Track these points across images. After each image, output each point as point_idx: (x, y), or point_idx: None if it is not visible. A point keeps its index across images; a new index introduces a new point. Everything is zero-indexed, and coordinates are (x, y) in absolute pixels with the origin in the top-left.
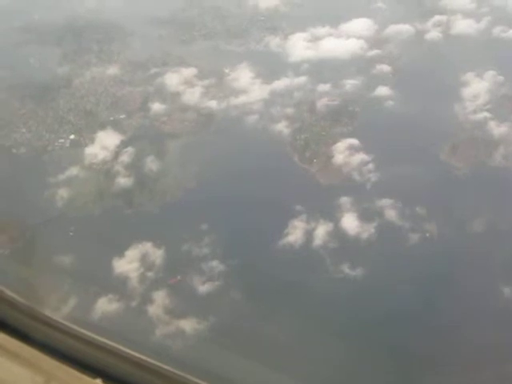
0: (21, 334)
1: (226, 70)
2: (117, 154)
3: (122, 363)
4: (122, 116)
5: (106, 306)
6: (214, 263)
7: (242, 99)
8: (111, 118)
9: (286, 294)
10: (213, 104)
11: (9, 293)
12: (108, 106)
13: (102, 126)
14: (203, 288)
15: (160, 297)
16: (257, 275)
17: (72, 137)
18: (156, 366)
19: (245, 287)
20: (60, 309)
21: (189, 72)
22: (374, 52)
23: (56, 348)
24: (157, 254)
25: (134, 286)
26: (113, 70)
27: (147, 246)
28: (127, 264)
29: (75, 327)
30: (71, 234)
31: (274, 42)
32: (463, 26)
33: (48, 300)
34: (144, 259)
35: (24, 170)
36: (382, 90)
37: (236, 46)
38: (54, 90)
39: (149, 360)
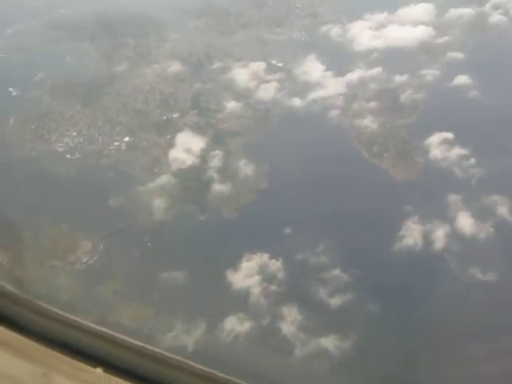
0: (20, 327)
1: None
2: (203, 157)
3: (122, 351)
4: (176, 115)
5: (237, 326)
6: (336, 272)
7: (319, 93)
8: (164, 118)
9: (422, 303)
10: (285, 99)
11: (8, 287)
12: (158, 105)
13: (157, 126)
14: (334, 301)
15: (291, 313)
16: (385, 284)
17: (127, 139)
18: (156, 352)
19: (377, 298)
20: (190, 333)
21: (257, 66)
22: (444, 39)
23: (55, 339)
24: (276, 266)
25: (259, 302)
26: (156, 66)
27: (264, 258)
28: (246, 278)
29: (74, 317)
30: (149, 244)
31: (334, 30)
32: None
33: (171, 324)
34: (263, 271)
35: (88, 176)
36: (462, 79)
37: (278, 35)
38: (97, 89)
39: (148, 347)
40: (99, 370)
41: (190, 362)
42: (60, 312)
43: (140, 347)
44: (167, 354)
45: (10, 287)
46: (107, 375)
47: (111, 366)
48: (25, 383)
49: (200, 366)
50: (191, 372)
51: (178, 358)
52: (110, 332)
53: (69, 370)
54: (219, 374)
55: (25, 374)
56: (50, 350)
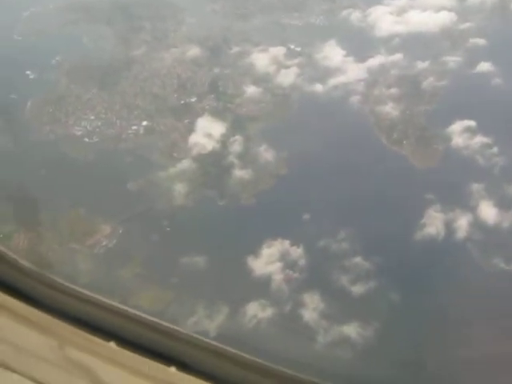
0: (35, 301)
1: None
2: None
3: (135, 325)
4: (193, 99)
5: (259, 312)
6: (358, 260)
7: (340, 79)
8: (181, 102)
9: (444, 291)
10: (305, 84)
11: (22, 261)
12: (175, 89)
13: (175, 110)
14: (356, 288)
15: (313, 300)
16: (407, 272)
17: (145, 123)
18: (170, 328)
19: (398, 286)
20: (212, 318)
21: (277, 51)
22: (466, 25)
23: (69, 313)
24: (298, 253)
25: (281, 289)
26: (173, 50)
27: (285, 244)
28: (267, 265)
29: (87, 292)
30: (168, 229)
31: (354, 15)
32: None
33: (193, 309)
34: (284, 258)
35: (106, 160)
36: (485, 66)
37: (297, 20)
38: (114, 73)
39: (162, 323)
40: (112, 344)
41: (203, 338)
42: (73, 286)
43: (154, 322)
44: (181, 329)
45: (23, 262)
46: (120, 349)
47: (124, 340)
48: (42, 355)
49: (213, 342)
50: (205, 348)
51: (192, 334)
52: (124, 307)
53: (83, 343)
54: (233, 350)
55: (42, 346)
56: (65, 324)
